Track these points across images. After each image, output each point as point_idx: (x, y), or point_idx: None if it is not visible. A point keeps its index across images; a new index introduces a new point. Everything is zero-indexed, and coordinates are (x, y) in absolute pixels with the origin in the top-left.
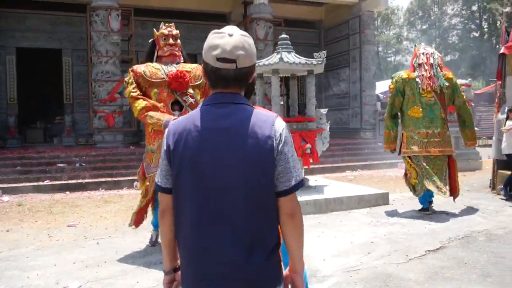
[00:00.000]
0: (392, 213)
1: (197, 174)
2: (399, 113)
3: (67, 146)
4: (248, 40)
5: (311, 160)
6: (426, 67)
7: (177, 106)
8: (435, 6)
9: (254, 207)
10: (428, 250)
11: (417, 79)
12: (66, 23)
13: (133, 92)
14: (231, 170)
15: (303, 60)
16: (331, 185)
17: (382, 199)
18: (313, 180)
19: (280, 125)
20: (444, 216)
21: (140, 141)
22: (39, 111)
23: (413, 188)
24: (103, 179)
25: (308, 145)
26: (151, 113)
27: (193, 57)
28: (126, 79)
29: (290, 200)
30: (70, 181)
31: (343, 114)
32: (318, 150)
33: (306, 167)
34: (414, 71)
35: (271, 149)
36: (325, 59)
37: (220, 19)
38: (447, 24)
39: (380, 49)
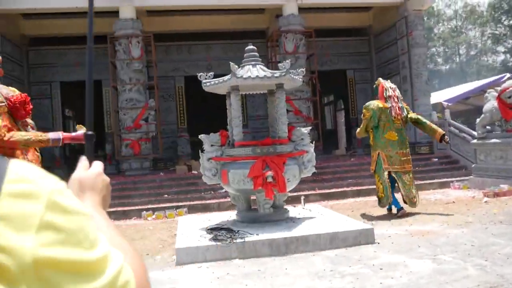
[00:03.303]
0: (364, 258)
1: None
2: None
3: (109, 174)
4: None
5: (275, 191)
6: (396, 99)
7: None
8: None
9: None
10: None
11: (391, 109)
12: (104, 55)
13: None
14: None
15: (261, 73)
16: (321, 216)
17: (364, 237)
18: (307, 209)
19: None
20: (428, 263)
21: (167, 167)
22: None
23: (379, 201)
24: (112, 209)
25: (269, 173)
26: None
27: None
28: None
29: None
30: None
31: None
32: (289, 177)
33: (273, 195)
34: (385, 102)
35: None
36: (304, 70)
37: (257, 36)
38: None
39: (461, 51)
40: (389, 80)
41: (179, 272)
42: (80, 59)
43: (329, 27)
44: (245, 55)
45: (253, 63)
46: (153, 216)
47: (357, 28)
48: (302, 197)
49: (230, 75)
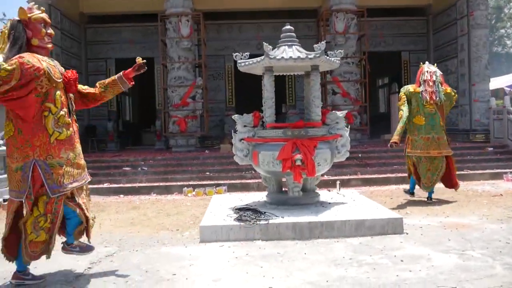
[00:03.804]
0: (387, 248)
1: None
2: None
3: (157, 150)
4: None
5: (303, 175)
6: (430, 84)
7: None
8: None
9: None
10: None
11: (422, 93)
12: (156, 33)
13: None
14: None
15: (295, 54)
16: (353, 202)
17: (392, 226)
18: (341, 194)
19: None
20: (454, 258)
21: (213, 145)
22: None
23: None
24: (155, 184)
25: (298, 156)
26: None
27: None
28: (5, 66)
29: None
30: (126, 185)
31: (452, 113)
32: (319, 161)
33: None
34: (419, 86)
35: None
36: (342, 51)
37: (309, 15)
38: None
39: None
40: (435, 64)
41: (201, 249)
42: (133, 37)
43: (385, 5)
44: (281, 35)
45: (289, 43)
46: (193, 193)
47: (415, 8)
48: (338, 182)
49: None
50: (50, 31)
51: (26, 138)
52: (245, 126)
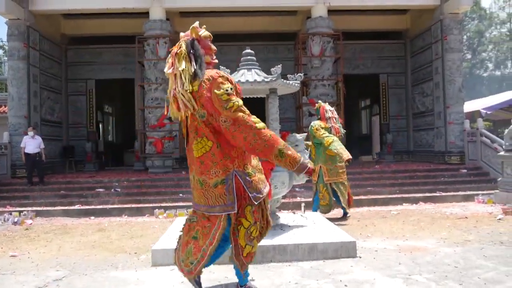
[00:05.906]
0: (336, 272)
1: None
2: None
3: (135, 171)
4: None
5: None
6: (334, 120)
7: None
8: None
9: None
10: None
11: (331, 129)
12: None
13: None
14: None
15: (252, 77)
16: (313, 225)
17: (345, 250)
18: (304, 217)
19: None
20: (398, 283)
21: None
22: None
23: (323, 208)
24: (127, 206)
25: None
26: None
27: None
28: (226, 88)
29: None
30: (98, 206)
31: (428, 135)
32: (276, 184)
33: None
34: (326, 122)
35: None
36: (302, 75)
37: (290, 38)
38: None
39: None
40: (327, 103)
41: (150, 273)
42: (114, 58)
43: (363, 29)
44: (242, 58)
45: (249, 67)
46: (164, 215)
47: (393, 31)
48: (303, 204)
49: None
50: (214, 47)
51: (225, 151)
52: None
